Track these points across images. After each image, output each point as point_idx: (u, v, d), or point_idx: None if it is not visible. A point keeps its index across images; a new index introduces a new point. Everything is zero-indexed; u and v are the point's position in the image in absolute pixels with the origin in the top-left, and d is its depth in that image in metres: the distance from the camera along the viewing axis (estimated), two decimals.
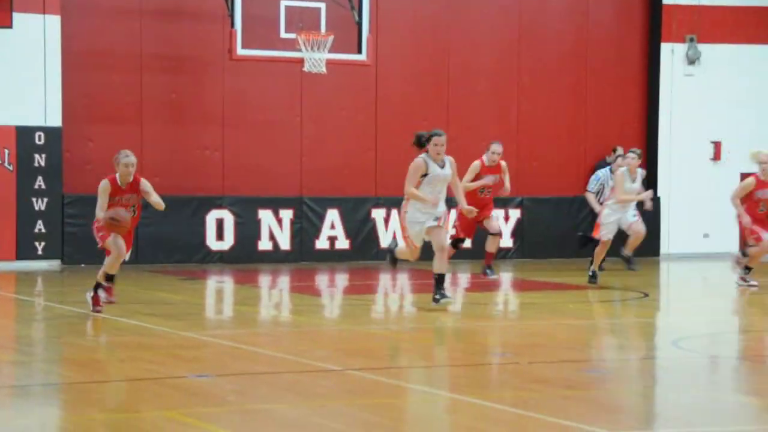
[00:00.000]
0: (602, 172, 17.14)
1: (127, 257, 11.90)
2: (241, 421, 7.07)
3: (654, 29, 19.84)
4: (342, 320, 12.56)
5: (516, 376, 8.56)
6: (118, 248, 11.46)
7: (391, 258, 13.00)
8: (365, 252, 18.29)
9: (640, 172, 15.14)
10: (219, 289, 15.53)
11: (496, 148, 15.41)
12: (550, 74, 19.42)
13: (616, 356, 9.85)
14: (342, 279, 16.58)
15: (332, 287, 16.04)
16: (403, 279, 16.65)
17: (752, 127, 19.66)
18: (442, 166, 12.29)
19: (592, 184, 17.22)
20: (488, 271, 15.57)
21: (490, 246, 15.54)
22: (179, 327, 10.82)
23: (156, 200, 11.58)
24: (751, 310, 13.63)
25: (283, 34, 17.05)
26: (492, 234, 15.40)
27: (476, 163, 15.34)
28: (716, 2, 19.81)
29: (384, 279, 16.57)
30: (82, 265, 16.72)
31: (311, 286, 15.74)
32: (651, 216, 19.65)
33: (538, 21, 19.41)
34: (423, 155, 12.33)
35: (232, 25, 16.76)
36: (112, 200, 11.44)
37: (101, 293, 11.71)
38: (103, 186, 11.49)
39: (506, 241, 18.88)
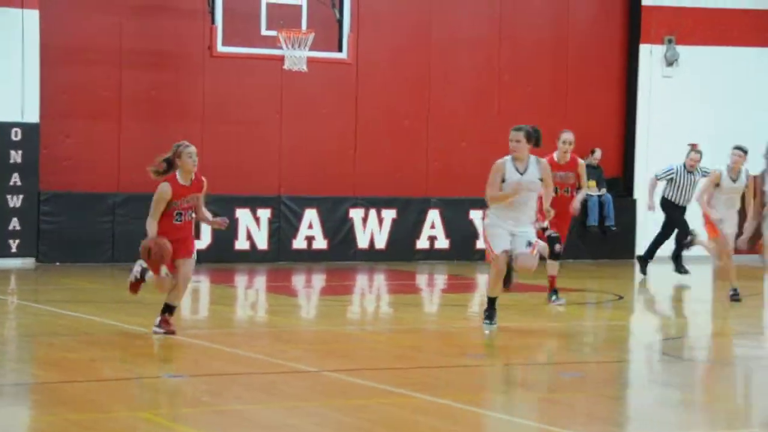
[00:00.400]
0: (677, 165, 16.03)
1: (190, 269, 10.22)
2: (214, 422, 7.05)
3: (633, 30, 19.91)
4: (318, 321, 12.55)
5: (490, 379, 8.57)
6: (161, 276, 10.04)
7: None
8: (343, 252, 18.27)
9: (744, 171, 13.72)
10: (195, 288, 15.46)
11: (567, 136, 12.92)
12: (529, 74, 19.46)
13: (592, 359, 9.87)
14: (319, 279, 16.56)
15: (309, 288, 16.02)
16: (380, 280, 16.67)
17: (729, 129, 19.72)
18: (524, 171, 10.59)
19: (662, 173, 16.06)
20: (554, 297, 12.87)
21: (551, 269, 12.82)
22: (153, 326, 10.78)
23: (205, 215, 10.17)
24: (726, 314, 13.68)
25: (264, 32, 17.02)
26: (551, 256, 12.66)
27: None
28: (695, 4, 19.90)
29: (361, 280, 16.57)
30: (57, 264, 16.65)
31: (288, 287, 15.72)
32: (627, 218, 19.78)
33: (519, 21, 19.43)
34: (508, 156, 10.64)
35: (213, 21, 16.71)
36: (172, 205, 9.85)
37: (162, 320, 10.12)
38: (163, 191, 9.84)
39: (483, 243, 18.88)
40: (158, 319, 10.06)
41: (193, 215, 10.07)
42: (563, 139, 12.81)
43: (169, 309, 10.08)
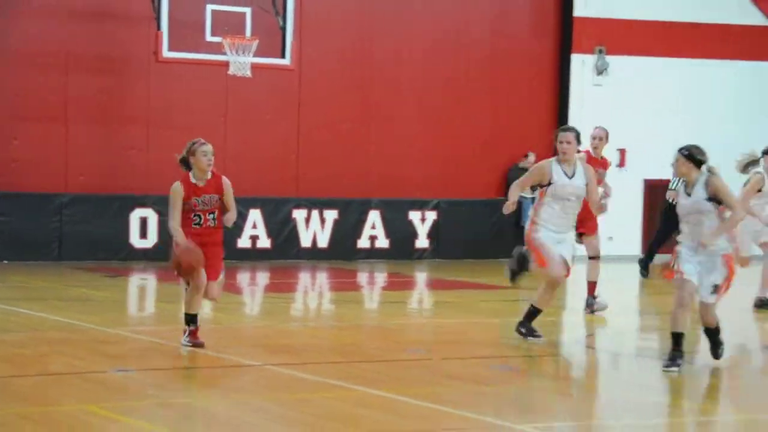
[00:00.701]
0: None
1: (218, 291, 9.36)
2: (160, 415, 7.02)
3: (565, 41, 20.07)
4: (262, 317, 12.52)
5: (429, 372, 8.61)
6: (198, 280, 9.07)
7: (515, 267, 10.39)
8: (286, 251, 18.24)
9: None
10: (142, 286, 15.37)
11: (597, 132, 12.02)
12: (468, 81, 19.57)
13: (525, 353, 9.94)
14: (263, 277, 16.51)
15: (253, 285, 15.97)
16: (322, 278, 16.65)
17: (656, 136, 19.99)
18: (572, 175, 9.75)
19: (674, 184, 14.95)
20: (593, 300, 12.07)
21: (591, 274, 12.09)
22: (101, 323, 10.70)
23: (231, 216, 9.10)
24: (652, 309, 13.85)
25: (209, 38, 16.92)
26: (591, 257, 12.03)
27: (582, 156, 11.21)
28: (624, 16, 20.11)
29: (304, 278, 16.54)
30: (5, 262, 16.45)
31: (233, 284, 15.63)
32: None
33: (458, 31, 19.53)
34: (553, 158, 9.86)
35: (158, 27, 16.58)
36: (186, 205, 9.02)
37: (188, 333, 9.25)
38: (174, 189, 9.08)
39: (422, 242, 18.99)
40: (187, 330, 9.20)
41: (216, 221, 9.08)
42: (593, 134, 12.02)
43: (193, 319, 9.20)
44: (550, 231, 9.58)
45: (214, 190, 9.06)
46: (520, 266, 10.16)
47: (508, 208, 9.52)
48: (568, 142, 9.59)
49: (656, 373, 8.82)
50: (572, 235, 10.02)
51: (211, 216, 9.02)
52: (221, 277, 9.23)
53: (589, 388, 8.33)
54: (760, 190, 12.48)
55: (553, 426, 7.13)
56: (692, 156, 8.60)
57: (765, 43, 20.55)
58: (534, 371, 9.05)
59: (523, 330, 9.95)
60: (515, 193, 9.59)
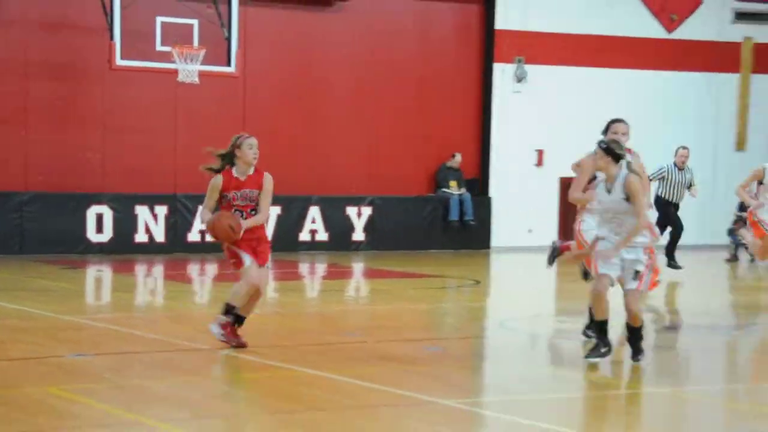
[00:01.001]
0: (667, 164, 15.12)
1: (266, 278, 8.53)
2: (116, 396, 6.95)
3: (487, 51, 20.17)
4: (211, 305, 12.41)
5: (365, 354, 8.61)
6: (254, 280, 8.26)
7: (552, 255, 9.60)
8: None
9: None
10: (98, 277, 15.19)
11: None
12: (399, 88, 19.59)
13: (452, 335, 10.00)
14: (211, 268, 16.39)
15: (203, 276, 15.85)
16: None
17: (570, 138, 20.16)
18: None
19: (654, 173, 14.61)
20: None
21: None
22: (60, 311, 10.55)
23: (258, 218, 8.32)
24: (568, 296, 13.98)
25: (159, 47, 16.76)
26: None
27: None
28: (541, 29, 20.25)
29: (306, 269, 16.42)
30: None
31: (183, 275, 15.53)
32: (483, 214, 20.07)
33: (389, 41, 19.54)
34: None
35: (111, 38, 16.38)
36: (225, 199, 8.31)
37: (220, 326, 8.32)
38: (214, 180, 8.40)
39: (359, 235, 18.98)
40: (222, 326, 8.30)
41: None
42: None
43: (239, 319, 8.38)
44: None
45: (255, 186, 8.40)
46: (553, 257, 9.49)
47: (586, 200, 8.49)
48: (623, 133, 8.52)
49: (572, 353, 8.90)
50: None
51: (253, 213, 8.32)
52: (269, 264, 8.52)
53: (507, 366, 8.38)
54: (761, 183, 11.57)
55: (478, 401, 7.18)
56: (610, 150, 7.94)
57: (663, 54, 20.85)
58: (460, 352, 9.09)
59: (590, 333, 8.81)
60: (577, 194, 8.58)
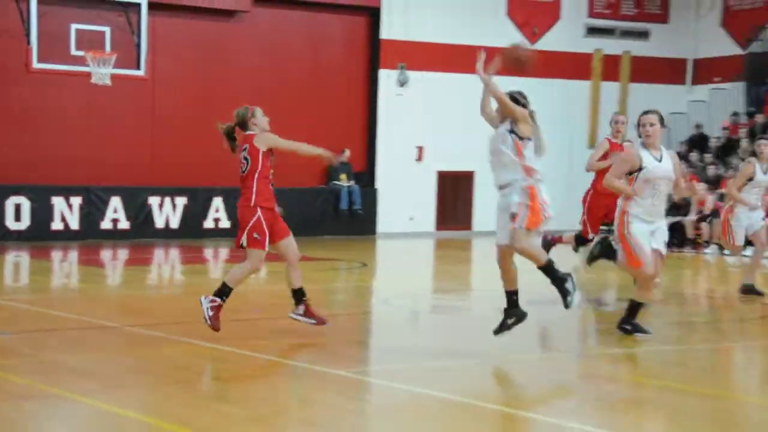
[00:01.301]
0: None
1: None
2: (34, 370, 6.78)
3: (374, 58, 20.26)
4: (121, 287, 12.20)
5: (258, 329, 8.58)
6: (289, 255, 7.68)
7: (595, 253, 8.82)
8: (143, 232, 17.84)
9: None
10: (16, 262, 14.74)
11: (619, 117, 10.03)
12: (295, 91, 19.52)
13: (341, 311, 10.03)
14: (123, 253, 16.08)
15: (115, 260, 15.53)
16: (174, 254, 16.34)
17: (447, 136, 20.45)
18: (661, 159, 7.73)
19: None
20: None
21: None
22: None
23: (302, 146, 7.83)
24: (445, 276, 14.16)
25: (74, 52, 16.38)
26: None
27: (603, 140, 10.13)
28: (421, 39, 20.42)
29: (158, 254, 16.19)
30: None
31: (96, 259, 15.19)
32: (370, 203, 20.17)
33: (285, 49, 19.47)
34: (638, 144, 7.83)
35: (29, 42, 15.95)
36: (269, 163, 7.97)
37: (211, 306, 7.66)
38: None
39: None
40: (213, 307, 7.71)
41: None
42: (615, 119, 10.03)
43: (301, 293, 7.81)
44: (642, 222, 7.67)
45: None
46: (603, 255, 8.69)
47: (629, 195, 7.69)
48: (652, 124, 7.67)
49: (449, 325, 9.01)
50: (665, 222, 7.86)
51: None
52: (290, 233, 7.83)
53: (391, 339, 8.46)
54: (751, 179, 10.29)
55: (365, 370, 7.22)
56: (512, 95, 7.35)
57: None
58: (349, 326, 9.13)
59: (627, 327, 8.02)
60: (615, 184, 7.73)
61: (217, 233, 18.39)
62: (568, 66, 21.58)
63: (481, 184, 20.15)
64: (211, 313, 7.71)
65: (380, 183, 20.27)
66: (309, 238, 18.62)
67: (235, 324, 8.65)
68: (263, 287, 12.34)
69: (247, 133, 7.94)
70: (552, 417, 5.80)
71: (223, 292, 7.74)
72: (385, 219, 20.20)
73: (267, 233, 7.65)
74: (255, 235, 7.61)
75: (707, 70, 22.43)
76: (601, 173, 9.47)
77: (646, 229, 7.68)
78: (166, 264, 15.23)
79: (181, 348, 7.62)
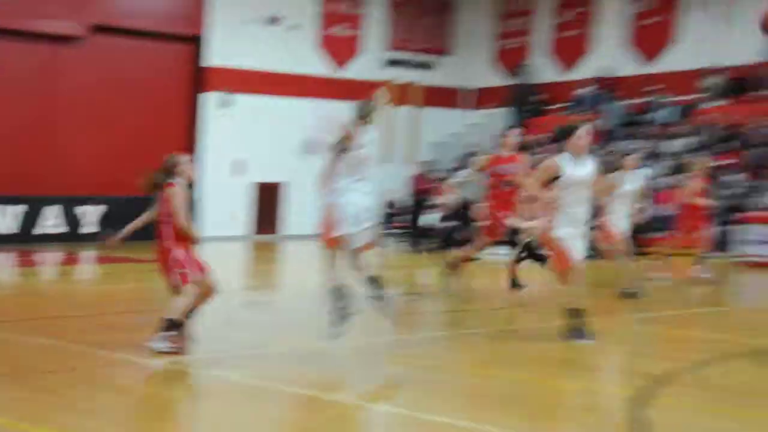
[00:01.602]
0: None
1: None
2: None
3: (198, 82, 20.40)
4: None
5: (92, 324, 8.46)
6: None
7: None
8: None
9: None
10: None
11: (510, 131, 9.88)
12: (127, 111, 19.43)
13: (161, 307, 10.17)
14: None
15: None
16: (10, 258, 15.91)
17: (264, 153, 20.88)
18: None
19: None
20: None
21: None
22: None
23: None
24: (256, 274, 14.28)
25: None
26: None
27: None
28: (242, 67, 20.70)
29: (46, 257, 15.72)
30: None
31: None
32: (194, 210, 20.21)
33: (119, 74, 19.34)
34: (565, 154, 7.33)
35: None
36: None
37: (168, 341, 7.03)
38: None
39: (93, 228, 18.63)
40: (171, 338, 7.09)
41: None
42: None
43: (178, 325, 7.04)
44: (572, 229, 7.18)
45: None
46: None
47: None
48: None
49: (258, 318, 9.25)
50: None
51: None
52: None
53: (204, 330, 8.70)
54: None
55: (179, 361, 7.20)
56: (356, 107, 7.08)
57: (333, 88, 21.79)
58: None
59: (571, 334, 7.42)
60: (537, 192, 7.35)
61: (53, 239, 18.05)
62: (369, 91, 22.34)
63: (288, 194, 20.72)
64: (171, 345, 7.09)
65: (203, 192, 20.41)
66: (141, 242, 18.47)
67: (66, 320, 8.59)
68: (92, 287, 12.21)
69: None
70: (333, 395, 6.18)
71: (170, 326, 7.08)
72: (208, 224, 20.31)
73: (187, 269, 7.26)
74: (179, 272, 7.34)
75: (483, 98, 24.00)
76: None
77: (572, 233, 7.05)
78: (54, 268, 14.68)
79: (17, 344, 7.53)
